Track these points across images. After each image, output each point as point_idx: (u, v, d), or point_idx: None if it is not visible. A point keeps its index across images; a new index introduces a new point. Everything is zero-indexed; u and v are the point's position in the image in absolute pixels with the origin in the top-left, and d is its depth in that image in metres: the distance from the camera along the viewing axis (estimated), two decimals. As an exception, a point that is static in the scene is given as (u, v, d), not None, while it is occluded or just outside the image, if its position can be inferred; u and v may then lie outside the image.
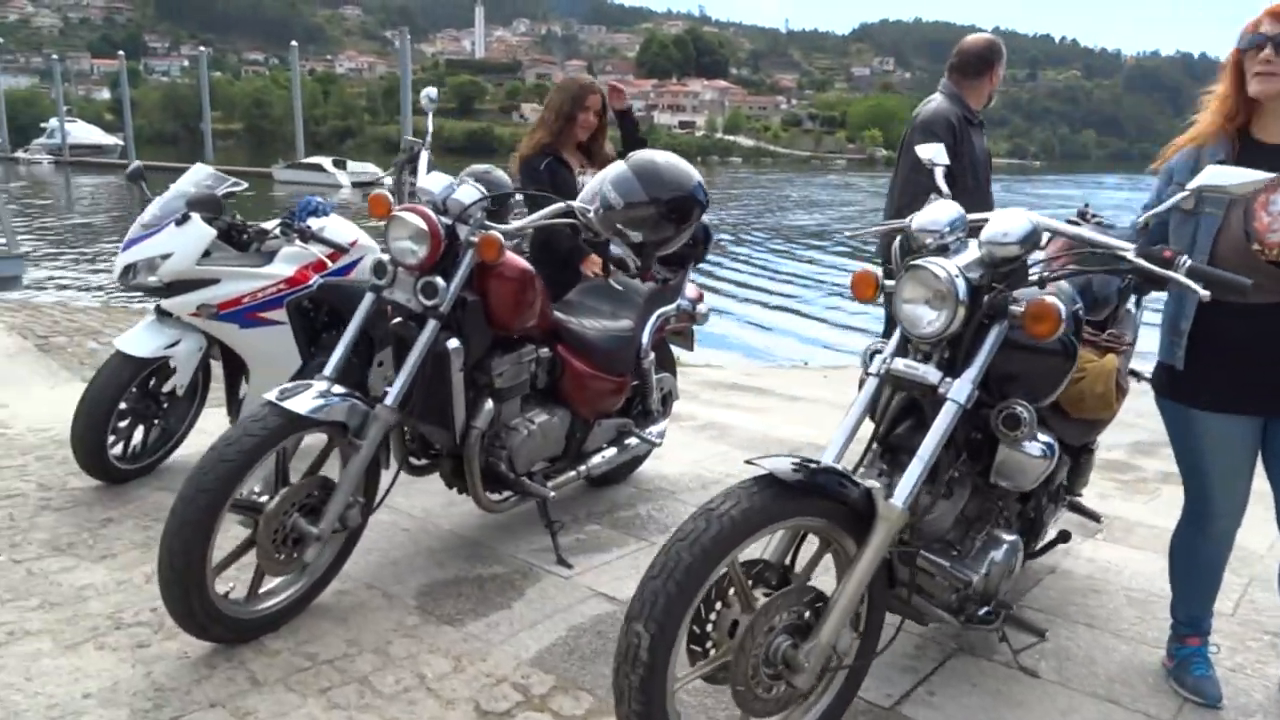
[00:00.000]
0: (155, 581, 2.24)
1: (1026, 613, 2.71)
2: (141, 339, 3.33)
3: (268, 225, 3.54)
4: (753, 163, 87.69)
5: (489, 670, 2.33)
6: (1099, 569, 3.12)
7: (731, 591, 1.84)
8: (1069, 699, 2.32)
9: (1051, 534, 2.61)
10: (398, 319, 2.65)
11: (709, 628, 1.84)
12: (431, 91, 3.07)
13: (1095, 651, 2.56)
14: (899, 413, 2.08)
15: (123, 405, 3.32)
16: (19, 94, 78.74)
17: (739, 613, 1.82)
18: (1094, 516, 3.06)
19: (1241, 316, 2.09)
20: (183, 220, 3.32)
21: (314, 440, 2.55)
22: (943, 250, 1.96)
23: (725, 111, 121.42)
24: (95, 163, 46.88)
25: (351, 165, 37.48)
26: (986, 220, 1.99)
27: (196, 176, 3.59)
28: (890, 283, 2.01)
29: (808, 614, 1.87)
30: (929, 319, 1.92)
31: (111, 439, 3.30)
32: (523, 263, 2.75)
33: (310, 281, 3.53)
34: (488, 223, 2.64)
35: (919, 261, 1.91)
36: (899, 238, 2.16)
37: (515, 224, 2.71)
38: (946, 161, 2.36)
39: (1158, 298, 2.71)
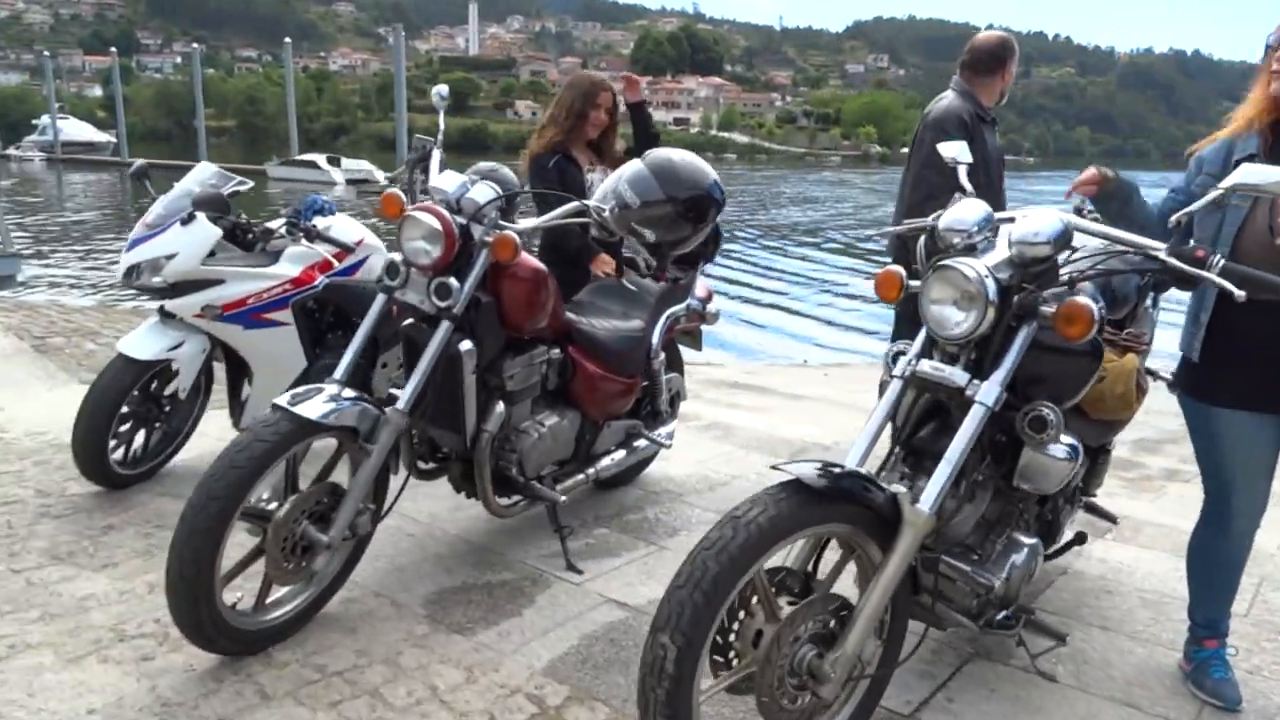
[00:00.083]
0: (158, 591, 2.18)
1: (1042, 616, 2.69)
2: (144, 341, 3.26)
3: (273, 224, 3.48)
4: (747, 159, 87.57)
5: (502, 681, 2.28)
6: (1111, 570, 3.10)
7: (755, 601, 1.80)
8: (1088, 704, 2.29)
9: (1068, 535, 2.58)
10: (408, 320, 2.60)
11: (732, 638, 1.80)
12: (443, 89, 3.02)
13: (1111, 654, 2.53)
14: (921, 415, 2.04)
15: (125, 409, 3.25)
16: (10, 91, 78.58)
17: (763, 622, 1.78)
18: (1110, 518, 3.03)
19: (1265, 313, 2.06)
20: (188, 220, 3.26)
21: (320, 446, 2.49)
22: (970, 250, 1.92)
23: (720, 108, 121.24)
24: (87, 160, 46.75)
25: (345, 162, 37.51)
26: (1009, 219, 1.96)
27: (202, 175, 3.53)
28: (915, 283, 1.97)
29: (833, 623, 1.84)
30: (957, 320, 1.88)
31: (113, 443, 3.24)
32: (536, 263, 2.71)
33: (316, 281, 3.48)
34: (502, 222, 2.59)
35: (948, 261, 1.87)
36: (923, 237, 2.11)
37: (528, 223, 2.66)
38: (969, 159, 2.33)
39: (1174, 296, 2.69)
